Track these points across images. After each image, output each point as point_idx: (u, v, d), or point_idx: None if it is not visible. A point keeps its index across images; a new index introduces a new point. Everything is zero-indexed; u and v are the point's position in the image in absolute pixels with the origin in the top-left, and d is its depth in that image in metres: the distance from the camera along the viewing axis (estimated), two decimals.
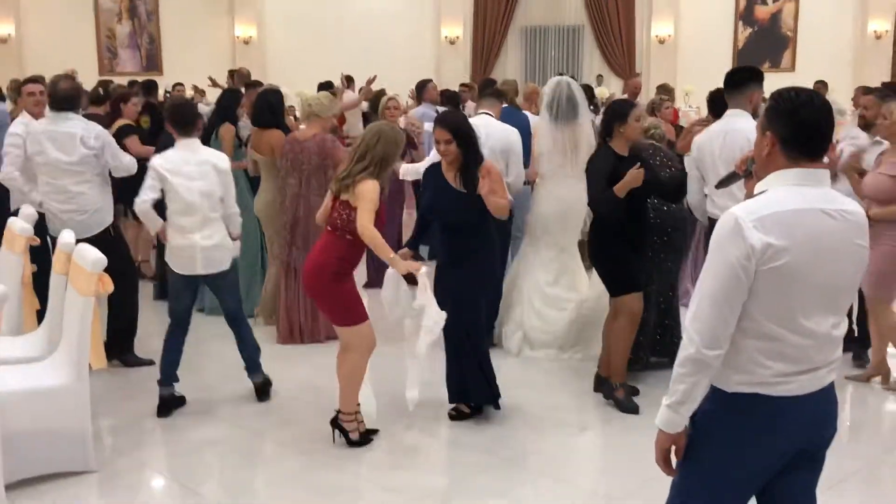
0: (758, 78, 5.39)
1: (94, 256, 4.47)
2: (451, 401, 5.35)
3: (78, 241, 5.00)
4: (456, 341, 5.12)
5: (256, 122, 7.24)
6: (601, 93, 17.16)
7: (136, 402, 5.58)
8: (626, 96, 12.80)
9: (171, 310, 5.49)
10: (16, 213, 5.93)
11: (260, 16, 19.60)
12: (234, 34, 19.60)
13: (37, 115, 6.38)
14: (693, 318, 2.51)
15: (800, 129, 2.48)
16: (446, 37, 19.83)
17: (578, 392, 5.79)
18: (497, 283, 6.63)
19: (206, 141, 7.43)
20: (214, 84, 12.71)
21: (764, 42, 20.02)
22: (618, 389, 5.44)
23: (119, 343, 6.19)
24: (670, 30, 19.80)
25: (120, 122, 7.92)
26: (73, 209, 5.89)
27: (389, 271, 4.86)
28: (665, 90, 11.86)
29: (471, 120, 6.65)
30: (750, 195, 2.65)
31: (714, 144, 5.34)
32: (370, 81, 10.69)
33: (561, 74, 13.13)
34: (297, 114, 10.18)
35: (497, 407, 5.35)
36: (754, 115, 5.22)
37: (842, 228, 2.49)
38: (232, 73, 13.22)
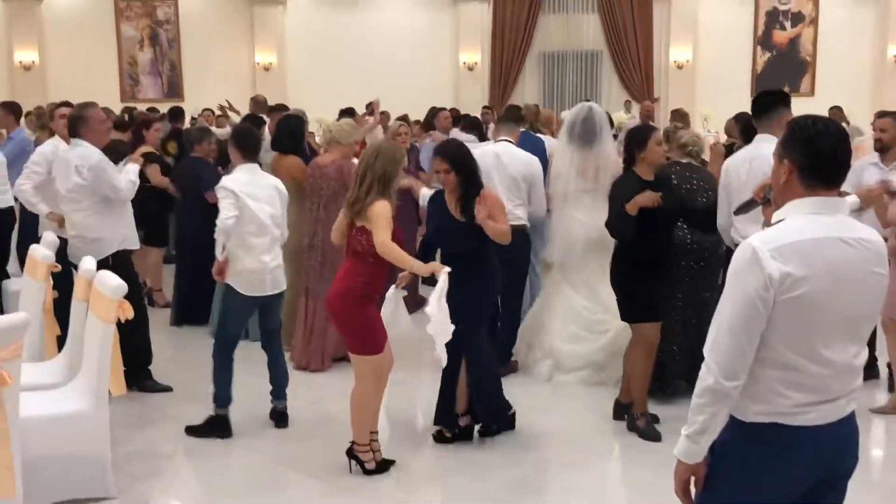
0: (785, 101, 5.37)
1: (114, 283, 4.50)
2: (435, 422, 5.38)
3: (76, 266, 5.16)
4: (453, 363, 5.09)
5: (276, 147, 7.25)
6: (619, 118, 17.13)
7: (155, 429, 5.60)
8: (638, 120, 12.85)
9: (225, 332, 5.50)
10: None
11: (280, 42, 19.79)
12: (254, 60, 19.79)
13: (66, 139, 6.46)
14: (711, 348, 2.50)
15: (816, 158, 2.48)
16: (464, 63, 19.94)
17: (604, 418, 5.76)
18: (513, 309, 6.64)
19: (225, 165, 7.51)
20: (231, 108, 12.79)
21: (783, 67, 20.00)
22: (639, 418, 5.41)
23: (134, 371, 6.00)
24: (688, 55, 19.82)
25: (143, 150, 7.95)
26: (73, 235, 5.96)
27: (389, 292, 4.89)
28: (680, 115, 11.87)
29: (491, 147, 6.71)
30: (768, 223, 2.64)
31: (741, 169, 5.32)
32: (374, 106, 10.70)
33: (587, 100, 13.09)
34: (318, 139, 10.24)
35: (505, 427, 5.38)
36: None
37: (860, 257, 2.48)
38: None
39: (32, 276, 5.49)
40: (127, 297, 5.53)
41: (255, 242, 5.37)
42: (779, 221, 2.52)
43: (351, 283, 4.74)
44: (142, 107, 13.56)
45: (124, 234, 6.06)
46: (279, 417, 5.66)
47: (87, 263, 5.07)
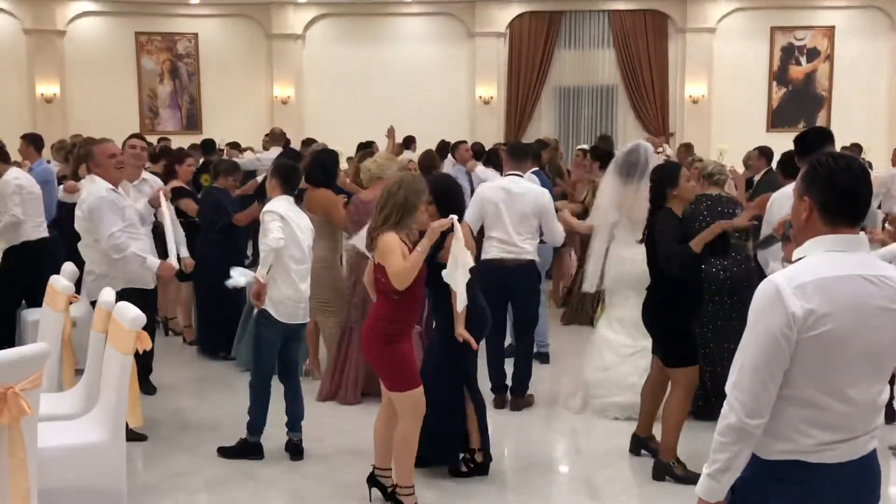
0: (830, 139, 5.40)
1: (133, 314, 4.52)
2: (436, 458, 5.32)
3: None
4: (459, 398, 5.18)
5: (309, 181, 7.17)
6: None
7: (170, 461, 5.60)
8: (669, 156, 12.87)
9: (262, 361, 5.57)
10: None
11: (298, 76, 19.97)
12: (272, 94, 19.97)
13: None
14: (734, 386, 2.49)
15: (838, 196, 2.49)
16: (481, 97, 20.05)
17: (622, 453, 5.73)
18: (527, 343, 6.66)
19: (261, 199, 7.46)
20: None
21: (798, 102, 20.01)
22: (676, 466, 5.26)
23: None
24: (704, 90, 19.88)
25: (173, 184, 7.92)
26: (85, 271, 6.00)
27: None
28: (686, 149, 11.98)
29: (499, 181, 6.75)
30: (788, 259, 2.65)
31: (785, 206, 5.29)
32: (390, 133, 10.84)
33: (604, 135, 13.15)
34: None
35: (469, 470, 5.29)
36: None
37: (882, 294, 2.47)
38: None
39: (52, 307, 5.52)
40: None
41: (295, 269, 5.49)
42: (800, 259, 2.52)
43: (376, 322, 4.70)
44: (160, 139, 13.64)
45: (134, 273, 5.95)
46: (295, 450, 5.66)
47: (106, 295, 5.10)
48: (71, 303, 5.49)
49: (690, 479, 5.12)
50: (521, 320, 6.75)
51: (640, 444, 5.56)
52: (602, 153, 8.83)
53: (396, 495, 4.80)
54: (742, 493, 2.54)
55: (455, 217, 4.62)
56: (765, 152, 9.86)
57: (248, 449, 5.61)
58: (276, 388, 5.66)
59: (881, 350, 2.50)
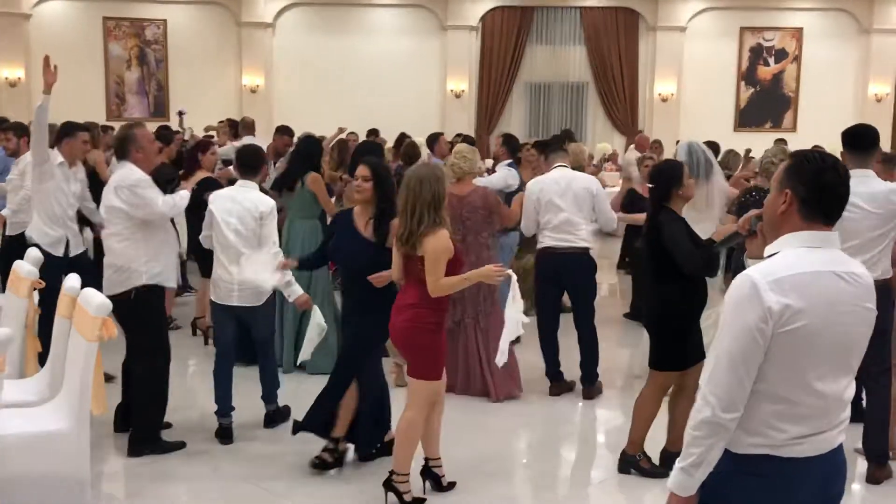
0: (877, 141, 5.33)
1: (98, 301, 4.46)
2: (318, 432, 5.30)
3: (114, 296, 5.03)
4: (346, 383, 5.19)
5: (350, 174, 6.93)
6: (604, 148, 17.29)
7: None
8: (630, 150, 12.97)
9: (216, 343, 5.90)
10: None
11: (268, 65, 19.83)
12: (241, 82, 19.82)
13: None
14: (709, 380, 2.49)
15: (821, 192, 2.50)
16: (452, 90, 20.04)
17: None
18: (592, 332, 6.77)
19: (290, 190, 7.32)
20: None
21: (766, 102, 20.23)
22: (641, 460, 5.25)
23: (145, 432, 5.49)
24: (673, 88, 20.02)
25: (200, 175, 7.43)
26: (107, 263, 5.49)
27: None
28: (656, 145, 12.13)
29: (549, 175, 6.82)
30: (751, 255, 2.66)
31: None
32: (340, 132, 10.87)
33: (566, 129, 13.36)
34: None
35: (386, 453, 5.26)
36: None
37: (854, 291, 2.50)
38: (233, 123, 13.28)
39: (15, 293, 5.43)
40: (142, 343, 5.47)
41: (222, 252, 5.66)
42: (773, 254, 2.54)
43: (424, 312, 4.62)
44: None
45: (157, 268, 5.49)
46: (269, 417, 5.96)
47: (72, 281, 5.02)
48: (35, 288, 5.41)
49: (656, 473, 5.18)
50: (581, 309, 6.79)
51: (672, 459, 5.46)
52: (544, 145, 8.91)
53: (392, 482, 4.74)
54: (712, 487, 2.54)
55: (514, 275, 4.70)
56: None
57: (219, 433, 5.71)
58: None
59: (850, 346, 2.53)
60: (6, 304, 5.56)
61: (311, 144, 7.65)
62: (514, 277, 4.69)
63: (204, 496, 4.99)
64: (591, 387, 6.74)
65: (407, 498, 4.73)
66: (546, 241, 6.72)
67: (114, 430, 5.69)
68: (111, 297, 4.85)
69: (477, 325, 6.58)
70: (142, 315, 5.45)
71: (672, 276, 5.01)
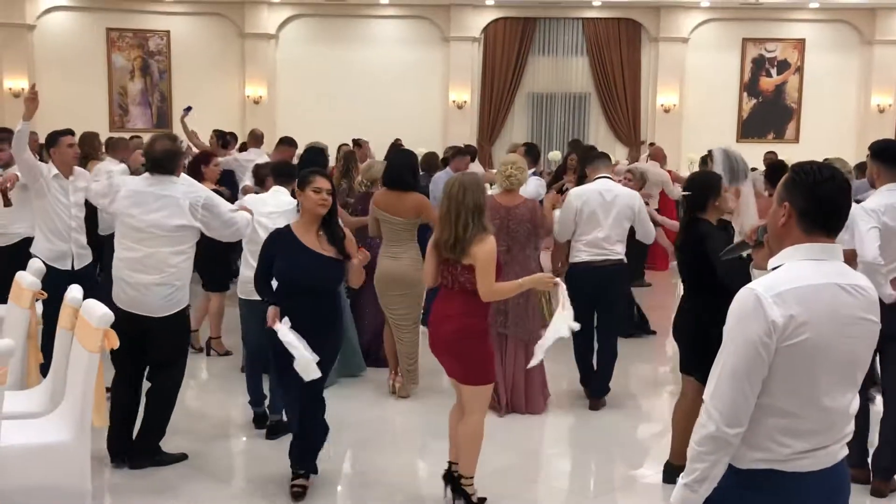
0: None
1: (100, 312, 4.45)
2: (297, 470, 5.10)
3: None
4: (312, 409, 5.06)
5: (396, 185, 6.84)
6: (554, 156, 16.97)
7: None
8: (649, 162, 12.89)
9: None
10: None
11: (271, 76, 19.87)
12: (244, 93, 19.85)
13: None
14: (713, 395, 2.47)
15: (819, 204, 2.49)
16: (454, 101, 20.06)
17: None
18: (614, 345, 6.76)
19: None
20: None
21: (768, 113, 20.23)
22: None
23: (151, 444, 5.51)
24: (675, 99, 20.03)
25: (207, 187, 7.38)
26: (161, 281, 5.28)
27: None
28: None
29: (592, 186, 6.76)
30: (758, 265, 2.65)
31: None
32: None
33: (574, 139, 13.44)
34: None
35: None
36: (872, 186, 5.25)
37: (856, 304, 2.49)
38: (220, 135, 13.31)
39: (17, 303, 5.43)
40: (176, 354, 5.48)
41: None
42: (776, 267, 2.52)
43: (474, 320, 4.73)
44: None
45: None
46: (270, 431, 6.02)
47: (74, 292, 5.01)
48: (37, 299, 5.40)
49: None
50: (608, 321, 6.78)
51: (676, 472, 5.44)
52: (530, 149, 9.29)
53: (462, 486, 4.86)
54: (715, 503, 2.51)
55: (564, 285, 4.75)
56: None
57: (255, 420, 6.18)
58: None
59: (855, 359, 2.52)
60: (8, 315, 5.56)
61: (315, 154, 7.66)
62: (564, 286, 4.74)
63: None
64: (598, 399, 6.72)
65: (474, 499, 4.87)
66: (582, 255, 6.66)
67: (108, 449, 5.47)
68: (165, 317, 5.18)
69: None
70: (180, 331, 5.53)
71: (710, 286, 4.93)
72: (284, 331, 4.71)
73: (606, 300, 6.68)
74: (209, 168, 7.52)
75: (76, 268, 6.52)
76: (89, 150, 8.86)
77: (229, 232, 5.51)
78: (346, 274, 5.07)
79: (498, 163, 7.59)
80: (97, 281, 6.85)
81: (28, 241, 7.35)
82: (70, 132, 6.88)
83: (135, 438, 5.48)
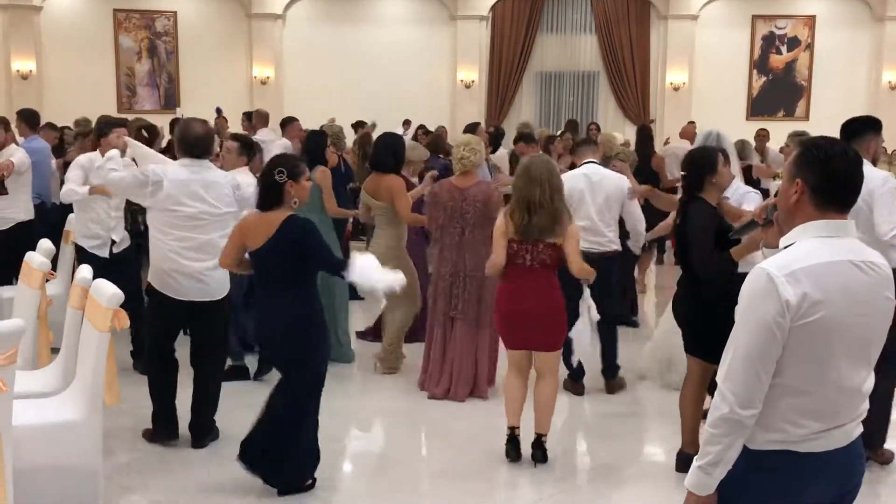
0: (874, 127, 5.14)
1: (110, 291, 4.46)
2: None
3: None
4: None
5: (377, 167, 6.92)
6: (542, 132, 16.75)
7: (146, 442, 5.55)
8: (684, 142, 12.78)
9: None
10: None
11: (278, 56, 19.80)
12: (251, 74, 19.79)
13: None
14: (726, 377, 2.43)
15: (831, 179, 2.45)
16: (462, 80, 19.98)
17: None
18: (613, 333, 6.75)
19: None
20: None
21: (778, 91, 20.09)
22: None
23: (211, 422, 5.56)
24: (685, 77, 19.90)
25: None
26: (212, 267, 5.24)
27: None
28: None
29: (580, 170, 6.72)
30: (768, 244, 2.61)
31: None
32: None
33: (571, 120, 13.43)
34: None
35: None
36: (873, 164, 5.11)
37: (871, 281, 2.45)
38: (249, 115, 13.30)
39: (27, 284, 5.45)
40: (222, 335, 5.55)
41: None
42: (788, 245, 2.49)
43: (558, 293, 5.15)
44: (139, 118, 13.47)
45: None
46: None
47: (84, 272, 5.02)
48: (47, 280, 5.42)
49: None
50: (608, 307, 6.44)
51: (688, 461, 5.42)
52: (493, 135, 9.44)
53: (543, 444, 5.24)
54: (727, 484, 2.49)
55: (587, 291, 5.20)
56: None
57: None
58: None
59: (869, 336, 2.48)
60: (19, 296, 5.58)
61: (317, 136, 7.65)
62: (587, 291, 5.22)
63: (216, 488, 4.98)
64: (613, 380, 6.69)
65: (549, 455, 5.27)
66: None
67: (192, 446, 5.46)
68: (221, 299, 5.34)
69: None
70: (228, 313, 5.63)
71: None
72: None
73: (608, 291, 6.41)
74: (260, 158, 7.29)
75: (115, 251, 6.70)
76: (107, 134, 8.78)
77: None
78: None
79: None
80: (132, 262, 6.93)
81: (22, 226, 7.42)
82: (122, 123, 6.91)
83: (195, 420, 5.48)
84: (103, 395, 4.47)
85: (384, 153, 6.97)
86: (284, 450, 4.73)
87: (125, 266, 6.63)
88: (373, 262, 4.65)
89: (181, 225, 5.20)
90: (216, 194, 5.28)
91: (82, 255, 6.55)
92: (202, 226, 5.23)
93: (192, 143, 5.32)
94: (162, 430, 5.46)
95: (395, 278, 4.69)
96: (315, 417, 4.82)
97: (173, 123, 11.62)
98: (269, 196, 4.67)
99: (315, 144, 7.41)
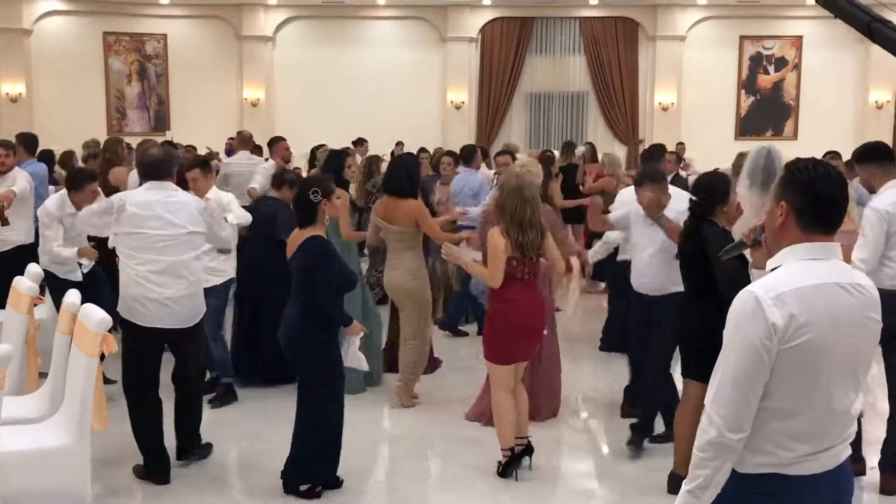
0: (879, 158, 5.20)
1: (98, 316, 4.45)
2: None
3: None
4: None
5: (392, 191, 6.66)
6: (579, 152, 16.67)
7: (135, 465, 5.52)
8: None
9: None
10: None
11: (268, 78, 19.87)
12: (242, 96, 19.85)
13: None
14: (713, 400, 2.43)
15: (815, 201, 2.45)
16: (452, 102, 20.07)
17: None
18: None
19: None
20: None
21: (766, 110, 20.24)
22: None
23: (194, 438, 5.57)
24: (673, 97, 20.03)
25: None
26: (195, 292, 5.29)
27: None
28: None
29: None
30: (756, 265, 2.62)
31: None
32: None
33: (567, 141, 13.45)
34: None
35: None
36: (870, 192, 5.21)
37: (857, 303, 2.46)
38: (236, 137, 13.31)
39: (15, 308, 5.42)
40: (199, 353, 5.56)
41: None
42: (775, 268, 2.49)
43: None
44: (129, 140, 13.46)
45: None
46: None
47: (72, 297, 5.00)
48: (35, 304, 5.39)
49: None
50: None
51: (680, 482, 5.36)
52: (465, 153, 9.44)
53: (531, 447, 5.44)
54: None
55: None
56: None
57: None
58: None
59: (857, 359, 2.48)
60: (6, 321, 5.55)
61: (338, 156, 7.47)
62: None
63: None
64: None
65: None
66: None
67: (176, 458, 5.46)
68: (194, 326, 5.29)
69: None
70: (202, 334, 5.69)
71: (715, 289, 4.79)
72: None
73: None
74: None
75: (84, 272, 6.74)
76: (112, 157, 8.73)
77: (217, 240, 5.63)
78: None
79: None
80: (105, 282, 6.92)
81: (23, 249, 7.39)
82: (93, 177, 6.98)
83: (181, 440, 5.48)
84: (91, 421, 4.44)
85: (398, 176, 6.69)
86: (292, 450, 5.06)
87: (99, 286, 6.65)
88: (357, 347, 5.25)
89: (147, 247, 5.12)
90: (182, 215, 5.20)
91: (54, 282, 6.54)
92: (168, 247, 5.13)
93: (153, 163, 5.32)
94: (149, 473, 5.30)
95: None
96: (320, 432, 4.98)
97: (313, 151, 11.58)
98: (304, 215, 5.00)
99: (335, 165, 7.20)
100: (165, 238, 5.13)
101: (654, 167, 6.60)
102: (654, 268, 5.67)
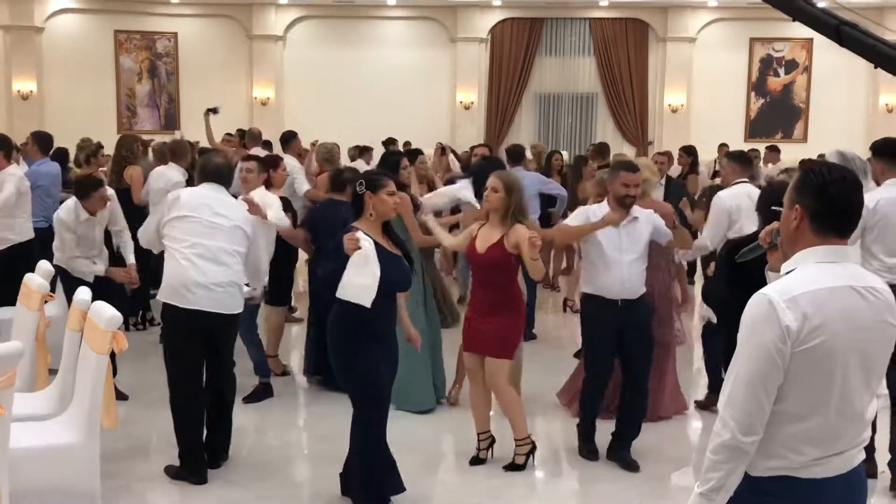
0: (883, 154, 5.38)
1: (109, 314, 4.45)
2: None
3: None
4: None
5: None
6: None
7: (146, 463, 5.52)
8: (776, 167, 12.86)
9: None
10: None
11: (278, 77, 19.89)
12: (252, 95, 19.88)
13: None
14: (727, 403, 2.42)
15: (830, 205, 2.45)
16: (461, 102, 20.06)
17: None
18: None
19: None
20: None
21: (776, 113, 20.18)
22: None
23: (225, 441, 5.55)
24: (683, 99, 19.99)
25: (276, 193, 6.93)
26: (232, 280, 5.33)
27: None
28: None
29: (742, 188, 6.62)
30: (773, 268, 2.61)
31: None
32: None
33: (602, 142, 13.39)
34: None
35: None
36: (878, 185, 5.34)
37: (873, 306, 2.45)
38: (242, 133, 13.32)
39: (26, 305, 5.44)
40: (229, 360, 5.50)
41: None
42: (790, 271, 2.48)
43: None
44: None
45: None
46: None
47: (82, 294, 5.02)
48: (46, 301, 5.41)
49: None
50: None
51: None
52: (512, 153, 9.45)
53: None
54: None
55: None
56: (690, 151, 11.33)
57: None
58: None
59: (872, 363, 2.47)
60: (17, 318, 5.57)
61: (392, 156, 7.34)
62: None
63: None
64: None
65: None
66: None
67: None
68: (232, 316, 5.30)
69: None
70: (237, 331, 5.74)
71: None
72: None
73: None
74: (277, 173, 7.13)
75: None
76: (127, 154, 8.70)
77: (252, 256, 5.52)
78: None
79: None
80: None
81: (16, 248, 7.43)
82: (101, 184, 6.94)
83: (212, 440, 5.44)
84: (101, 418, 4.45)
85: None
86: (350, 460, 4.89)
87: (110, 284, 6.63)
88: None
89: (198, 232, 5.26)
90: (232, 210, 5.45)
91: (66, 279, 6.55)
92: (216, 233, 5.28)
93: (214, 170, 5.53)
94: (187, 472, 5.26)
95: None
96: (372, 440, 4.72)
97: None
98: (354, 207, 4.86)
99: (389, 165, 6.90)
100: (214, 225, 5.29)
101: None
102: (635, 271, 5.55)
